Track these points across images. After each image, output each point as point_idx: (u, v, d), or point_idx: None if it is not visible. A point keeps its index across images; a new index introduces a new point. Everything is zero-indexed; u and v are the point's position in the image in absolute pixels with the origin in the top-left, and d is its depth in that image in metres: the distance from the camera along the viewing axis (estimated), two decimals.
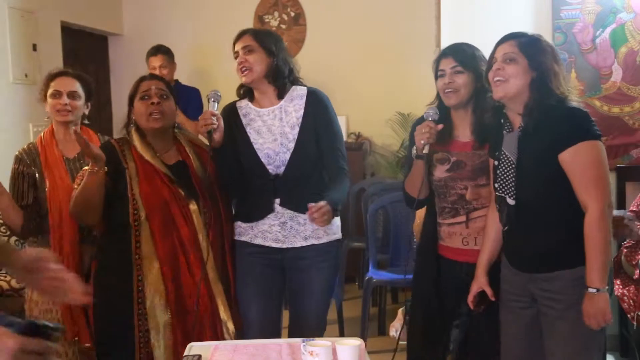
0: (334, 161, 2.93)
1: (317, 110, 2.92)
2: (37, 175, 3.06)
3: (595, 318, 2.29)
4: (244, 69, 2.88)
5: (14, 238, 4.15)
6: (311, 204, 2.69)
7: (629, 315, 3.76)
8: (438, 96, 2.80)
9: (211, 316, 2.81)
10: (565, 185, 2.37)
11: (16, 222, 3.04)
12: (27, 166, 3.08)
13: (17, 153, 3.18)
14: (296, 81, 2.99)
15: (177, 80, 5.08)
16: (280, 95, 2.93)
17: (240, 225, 2.95)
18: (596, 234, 2.30)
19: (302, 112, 2.91)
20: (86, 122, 3.26)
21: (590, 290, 2.28)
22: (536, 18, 4.41)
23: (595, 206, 2.31)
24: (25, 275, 1.84)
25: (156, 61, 5.03)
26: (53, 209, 2.98)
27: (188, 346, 2.44)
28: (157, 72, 4.95)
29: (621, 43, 4.38)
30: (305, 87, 3.00)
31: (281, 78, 2.91)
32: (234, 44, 2.96)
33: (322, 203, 2.72)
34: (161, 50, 5.02)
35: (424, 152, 2.65)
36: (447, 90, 2.71)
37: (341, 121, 5.38)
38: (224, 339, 2.76)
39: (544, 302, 2.42)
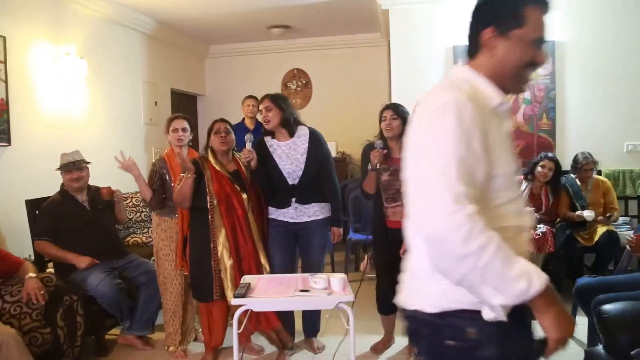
0: (329, 178, 2.89)
1: (317, 145, 2.87)
2: (166, 174, 3.00)
3: None
4: (266, 121, 2.83)
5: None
6: (333, 230, 2.89)
7: None
8: (381, 132, 2.80)
9: (256, 261, 2.79)
10: None
11: (147, 197, 2.98)
12: (160, 168, 3.01)
13: (154, 161, 3.13)
14: (299, 123, 2.89)
15: (256, 119, 4.70)
16: (291, 134, 2.85)
17: (270, 209, 2.90)
18: None
19: (306, 145, 2.84)
20: (191, 144, 3.17)
21: None
22: None
23: None
24: None
25: (250, 101, 4.61)
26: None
27: (242, 278, 2.46)
28: (250, 108, 4.59)
29: None
30: (306, 128, 2.90)
31: (289, 124, 2.83)
32: (259, 104, 2.91)
33: (336, 232, 2.90)
34: (253, 96, 4.66)
35: (376, 167, 2.68)
36: (387, 129, 2.74)
37: (332, 145, 5.53)
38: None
39: None
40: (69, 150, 3.18)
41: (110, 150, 4.42)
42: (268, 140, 2.92)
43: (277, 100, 2.84)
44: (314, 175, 2.86)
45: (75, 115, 4.21)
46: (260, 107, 2.86)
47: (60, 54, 3.95)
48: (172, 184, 2.97)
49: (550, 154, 4.00)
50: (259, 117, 3.08)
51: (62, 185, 3.18)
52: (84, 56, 4.15)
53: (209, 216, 2.73)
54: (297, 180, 2.84)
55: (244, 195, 2.79)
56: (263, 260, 2.80)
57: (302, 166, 2.83)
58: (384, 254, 2.84)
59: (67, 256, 2.99)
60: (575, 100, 4.36)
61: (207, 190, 2.74)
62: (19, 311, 2.55)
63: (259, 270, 2.78)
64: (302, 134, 2.88)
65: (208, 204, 2.73)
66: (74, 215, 3.11)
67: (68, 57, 4.00)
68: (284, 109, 2.82)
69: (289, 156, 2.85)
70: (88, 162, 3.21)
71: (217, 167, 2.79)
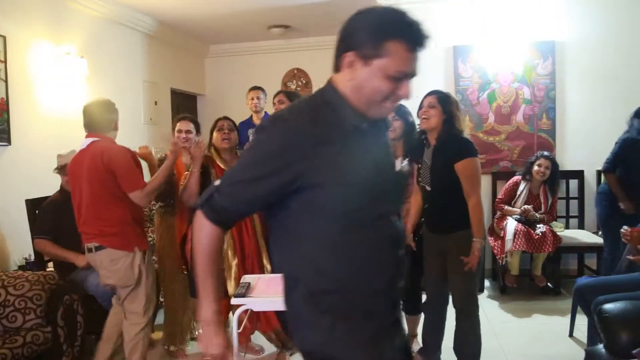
0: None
1: None
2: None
3: (475, 254, 2.36)
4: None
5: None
6: None
7: (497, 257, 3.86)
8: None
9: (259, 261, 2.78)
10: (457, 180, 2.38)
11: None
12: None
13: (159, 156, 3.11)
14: None
15: (266, 112, 4.45)
16: None
17: None
18: (476, 212, 2.36)
19: None
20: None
21: (474, 239, 2.36)
22: (445, 86, 4.30)
23: (474, 196, 2.36)
24: None
25: (254, 93, 4.31)
26: (178, 190, 2.88)
27: (242, 277, 2.47)
28: (254, 101, 4.26)
29: (493, 101, 4.40)
30: None
31: None
32: (273, 98, 2.88)
33: None
34: (259, 87, 4.41)
35: None
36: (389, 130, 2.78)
37: None
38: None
39: (449, 249, 2.46)
40: (67, 151, 3.17)
41: None
42: None
43: (290, 95, 2.89)
44: None
45: (76, 114, 4.09)
46: (274, 100, 2.87)
47: (61, 54, 3.96)
48: (177, 180, 2.96)
49: (546, 153, 4.00)
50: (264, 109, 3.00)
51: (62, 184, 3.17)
52: (84, 56, 4.16)
53: None
54: None
55: None
56: (265, 260, 2.79)
57: None
58: None
59: (66, 255, 2.98)
60: (575, 100, 4.36)
61: None
62: (24, 305, 2.53)
63: (262, 271, 2.76)
64: None
65: None
66: (73, 214, 3.03)
67: (68, 57, 4.00)
68: None
69: None
70: None
71: (222, 165, 2.78)
